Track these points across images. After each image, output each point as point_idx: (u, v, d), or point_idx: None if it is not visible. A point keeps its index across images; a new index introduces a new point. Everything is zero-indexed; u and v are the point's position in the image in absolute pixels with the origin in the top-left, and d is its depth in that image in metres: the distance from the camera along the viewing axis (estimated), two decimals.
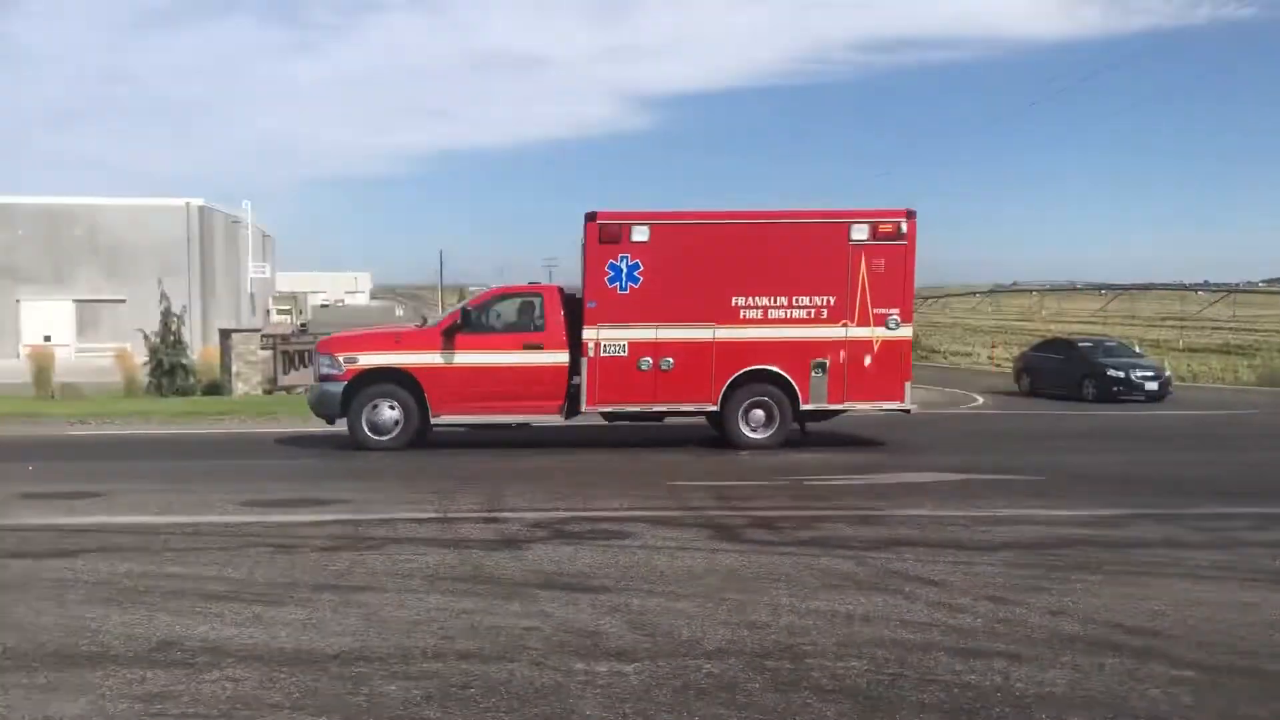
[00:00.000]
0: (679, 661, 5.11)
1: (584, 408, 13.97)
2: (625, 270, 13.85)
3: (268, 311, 60.96)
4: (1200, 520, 9.03)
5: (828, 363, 13.94)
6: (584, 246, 13.94)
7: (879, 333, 13.96)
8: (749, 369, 13.91)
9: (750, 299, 13.89)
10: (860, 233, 13.93)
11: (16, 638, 5.47)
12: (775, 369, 13.94)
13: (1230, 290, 69.50)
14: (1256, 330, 50.06)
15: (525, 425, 14.47)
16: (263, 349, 24.56)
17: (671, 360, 13.80)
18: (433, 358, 13.85)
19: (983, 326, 59.43)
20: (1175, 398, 25.91)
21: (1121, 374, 25.73)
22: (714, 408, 14.07)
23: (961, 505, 9.62)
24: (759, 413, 14.04)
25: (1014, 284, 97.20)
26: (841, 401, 14.12)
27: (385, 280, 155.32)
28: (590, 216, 13.87)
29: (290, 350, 24.51)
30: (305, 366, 22.73)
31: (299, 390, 22.11)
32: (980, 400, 25.56)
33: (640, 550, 7.61)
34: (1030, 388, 27.95)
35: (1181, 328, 50.25)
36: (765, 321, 13.92)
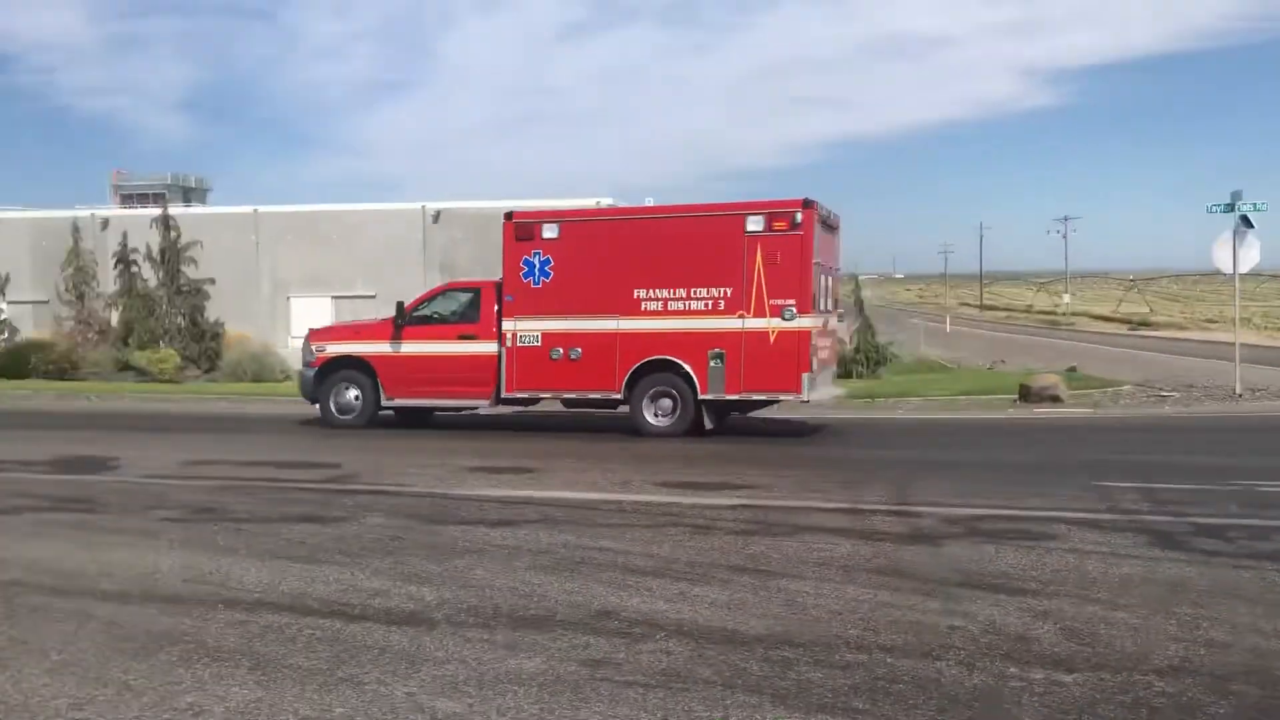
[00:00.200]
0: (1125, 676, 4.70)
1: (503, 393, 15.01)
2: (538, 265, 14.81)
3: None
4: None
5: (724, 353, 14.07)
6: (503, 244, 15.03)
7: (774, 324, 13.90)
8: (650, 359, 14.35)
9: (651, 291, 14.37)
10: (755, 224, 14.05)
11: (477, 598, 6.08)
12: (675, 359, 14.23)
13: None
14: None
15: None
16: None
17: (580, 350, 14.60)
18: (383, 347, 15.60)
19: None
20: None
21: None
22: (618, 395, 14.61)
23: None
24: (667, 401, 14.40)
25: None
26: (739, 391, 14.19)
27: None
28: (508, 215, 15.15)
29: None
30: None
31: None
32: None
33: (1069, 554, 7.12)
34: None
35: None
36: (665, 313, 14.34)
